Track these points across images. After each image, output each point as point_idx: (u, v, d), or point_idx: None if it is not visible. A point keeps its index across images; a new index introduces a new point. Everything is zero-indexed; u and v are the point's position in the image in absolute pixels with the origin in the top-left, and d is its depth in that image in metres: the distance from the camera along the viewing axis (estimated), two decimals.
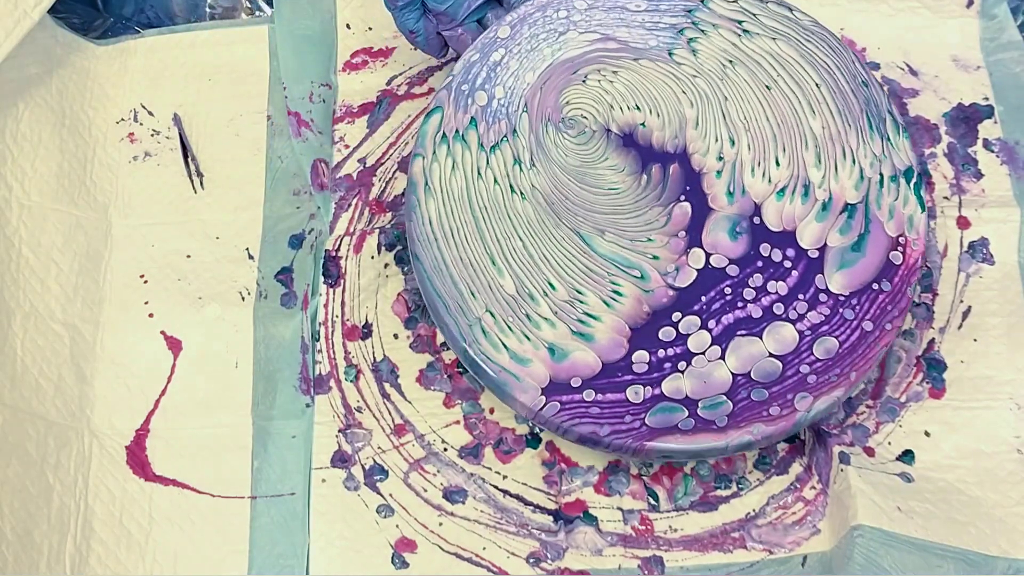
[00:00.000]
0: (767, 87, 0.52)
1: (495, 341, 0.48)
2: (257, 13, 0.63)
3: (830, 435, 0.50)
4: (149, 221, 0.57)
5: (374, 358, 0.53)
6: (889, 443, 0.50)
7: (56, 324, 0.53)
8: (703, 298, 0.49)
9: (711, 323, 0.48)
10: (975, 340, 0.52)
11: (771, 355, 0.47)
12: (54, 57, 0.58)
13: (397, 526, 0.50)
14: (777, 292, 0.49)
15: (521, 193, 0.51)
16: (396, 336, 0.54)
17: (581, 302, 0.49)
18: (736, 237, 0.50)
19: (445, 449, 0.51)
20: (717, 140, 0.51)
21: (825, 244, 0.49)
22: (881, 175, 0.50)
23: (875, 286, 0.48)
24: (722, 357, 0.47)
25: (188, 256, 0.56)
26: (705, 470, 0.50)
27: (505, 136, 0.52)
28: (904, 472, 0.49)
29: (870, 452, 0.50)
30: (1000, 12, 0.59)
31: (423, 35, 0.54)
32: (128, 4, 0.63)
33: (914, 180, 0.50)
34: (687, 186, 0.51)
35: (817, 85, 0.52)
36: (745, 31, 0.53)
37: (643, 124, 0.52)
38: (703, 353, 0.48)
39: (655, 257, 0.49)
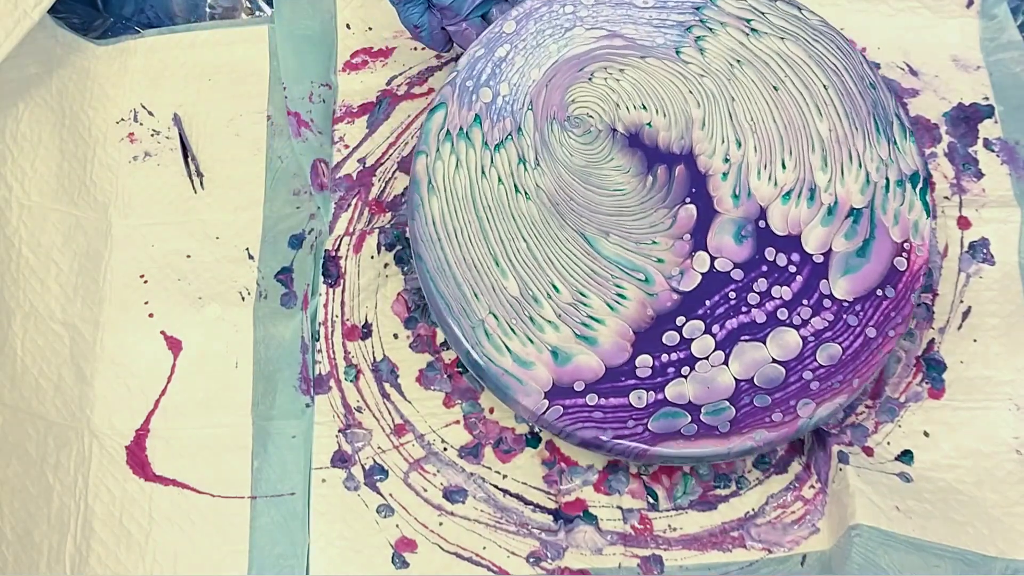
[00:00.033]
0: (774, 88, 0.52)
1: (498, 344, 0.47)
2: (257, 13, 0.63)
3: (829, 435, 0.50)
4: (149, 221, 0.57)
5: (374, 358, 0.53)
6: (888, 443, 0.50)
7: (56, 324, 0.53)
8: (707, 302, 0.48)
9: (715, 328, 0.48)
10: (975, 340, 0.52)
11: (774, 361, 0.47)
12: (54, 57, 0.58)
13: (397, 526, 0.50)
14: (781, 297, 0.48)
15: (525, 193, 0.50)
16: (396, 336, 0.54)
17: (585, 305, 0.48)
18: (741, 241, 0.49)
19: (445, 449, 0.51)
20: (724, 141, 0.51)
21: (830, 249, 0.49)
22: (887, 179, 0.50)
23: (879, 292, 0.48)
24: (725, 362, 0.47)
25: (188, 256, 0.56)
26: (704, 469, 0.50)
27: (510, 134, 0.52)
28: (903, 472, 0.49)
29: (869, 452, 0.50)
30: (1000, 12, 0.59)
31: (427, 30, 0.54)
32: (128, 4, 0.63)
33: (920, 185, 0.50)
34: (693, 188, 0.50)
35: (825, 87, 0.52)
36: (753, 30, 0.53)
37: (649, 124, 0.52)
38: (707, 358, 0.47)
39: (660, 260, 0.49)
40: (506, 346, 0.47)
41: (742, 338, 0.47)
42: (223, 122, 0.59)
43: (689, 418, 0.46)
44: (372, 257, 0.55)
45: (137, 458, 0.52)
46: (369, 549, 0.50)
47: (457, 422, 0.52)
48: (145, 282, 0.55)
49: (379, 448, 0.52)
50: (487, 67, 0.52)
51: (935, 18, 0.59)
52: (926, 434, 0.50)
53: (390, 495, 0.51)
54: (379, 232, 0.56)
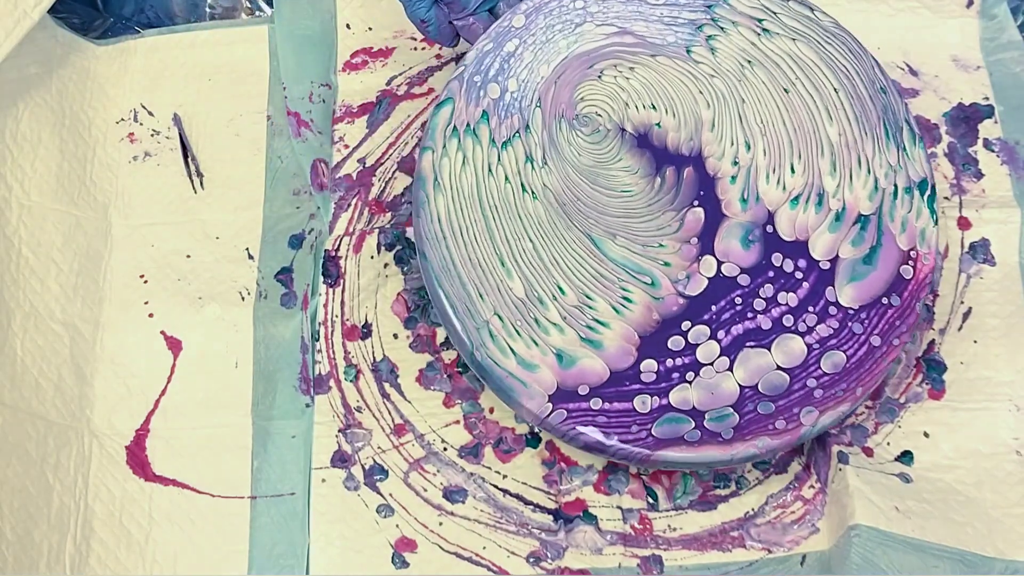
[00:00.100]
0: (785, 90, 0.51)
1: (503, 345, 0.47)
2: (257, 13, 0.63)
3: (829, 435, 0.50)
4: (149, 221, 0.57)
5: (374, 358, 0.53)
6: (888, 443, 0.50)
7: (56, 324, 0.53)
8: (713, 307, 0.48)
9: (720, 333, 0.48)
10: (975, 341, 0.52)
11: (779, 368, 0.47)
12: (54, 57, 0.58)
13: (397, 526, 0.50)
14: (787, 304, 0.48)
15: (532, 192, 0.50)
16: (396, 336, 0.54)
17: (590, 308, 0.48)
18: (748, 245, 0.49)
19: (445, 449, 0.51)
20: (733, 144, 0.51)
21: (837, 256, 0.49)
22: (895, 186, 0.50)
23: (884, 300, 0.48)
24: (730, 368, 0.47)
25: (188, 256, 0.56)
26: (704, 470, 0.50)
27: (517, 132, 0.51)
28: (903, 472, 0.49)
29: (869, 452, 0.50)
30: (1000, 12, 0.59)
31: (434, 24, 0.53)
32: (128, 4, 0.63)
33: (928, 192, 0.50)
34: (701, 191, 0.50)
35: (835, 90, 0.51)
36: (765, 30, 0.52)
37: (658, 124, 0.51)
38: (711, 364, 0.47)
39: (666, 263, 0.49)
40: (510, 348, 0.47)
41: (747, 344, 0.47)
42: (223, 122, 0.59)
43: (693, 424, 0.46)
44: (372, 257, 0.55)
45: (137, 458, 0.52)
46: (369, 549, 0.50)
47: (457, 422, 0.52)
48: (145, 282, 0.55)
49: (379, 448, 0.52)
50: (495, 62, 0.52)
51: (935, 18, 0.59)
52: (926, 435, 0.50)
53: (390, 495, 0.51)
54: (379, 232, 0.56)
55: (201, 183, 0.58)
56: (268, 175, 0.58)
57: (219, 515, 0.50)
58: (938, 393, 0.51)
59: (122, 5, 0.63)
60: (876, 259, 0.49)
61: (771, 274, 0.49)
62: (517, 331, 0.47)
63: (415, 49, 0.61)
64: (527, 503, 0.50)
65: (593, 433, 0.46)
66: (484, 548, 0.50)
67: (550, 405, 0.46)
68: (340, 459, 0.51)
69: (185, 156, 0.58)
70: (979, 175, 0.56)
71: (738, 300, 0.48)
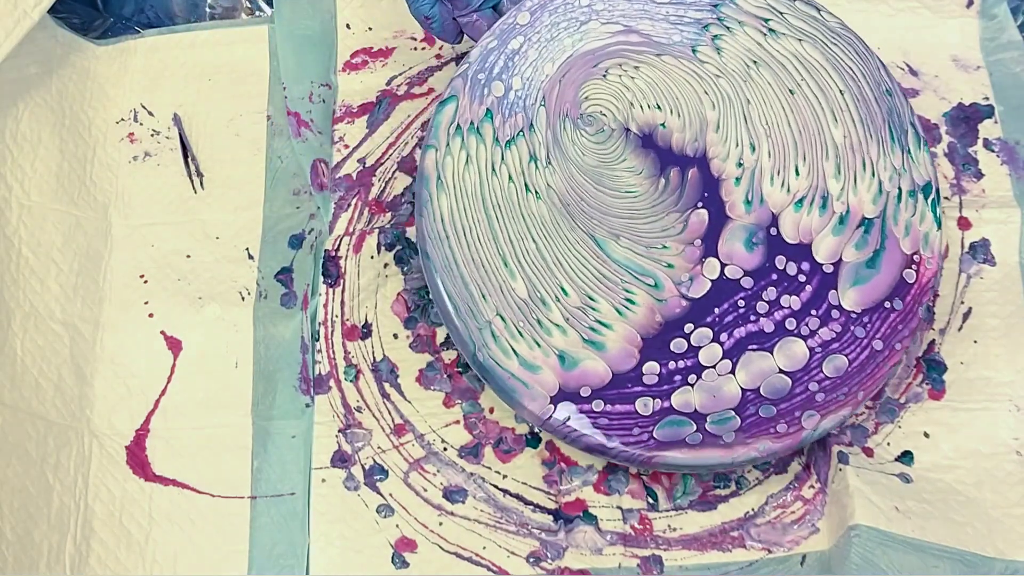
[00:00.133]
0: (790, 91, 0.51)
1: (505, 346, 0.47)
2: (257, 13, 0.63)
3: (829, 435, 0.50)
4: (149, 221, 0.57)
5: (374, 358, 0.53)
6: (888, 444, 0.50)
7: (56, 324, 0.53)
8: (716, 310, 0.48)
9: (723, 336, 0.47)
10: (975, 341, 0.52)
11: (781, 371, 0.47)
12: (54, 57, 0.58)
13: (397, 526, 0.50)
14: (790, 307, 0.48)
15: (536, 192, 0.50)
16: (396, 336, 0.54)
17: (593, 309, 0.48)
18: (752, 248, 0.49)
19: (445, 449, 0.51)
20: (738, 145, 0.50)
21: (840, 259, 0.48)
22: (900, 189, 0.49)
23: (887, 304, 0.48)
24: (732, 372, 0.47)
25: (188, 256, 0.56)
26: (704, 470, 0.50)
27: (521, 131, 0.51)
28: (903, 472, 0.49)
29: (869, 452, 0.50)
30: (1000, 12, 0.59)
31: (438, 21, 0.53)
32: (128, 4, 0.63)
33: (932, 196, 0.49)
34: (705, 192, 0.50)
35: (841, 92, 0.51)
36: (771, 30, 0.52)
37: (663, 124, 0.51)
38: (714, 367, 0.47)
39: (670, 265, 0.49)
40: (513, 349, 0.47)
41: (750, 347, 0.47)
42: (223, 122, 0.59)
43: (694, 427, 0.46)
44: (372, 257, 0.55)
45: (137, 458, 0.52)
46: (369, 549, 0.50)
47: (457, 422, 0.52)
48: (145, 282, 0.55)
49: (379, 448, 0.52)
50: (500, 60, 0.51)
51: (935, 18, 0.59)
52: (926, 435, 0.50)
53: (390, 495, 0.51)
54: (379, 232, 0.56)
55: (201, 183, 0.58)
56: (268, 175, 0.58)
57: (219, 515, 0.50)
58: (938, 393, 0.51)
59: (122, 5, 0.63)
60: (879, 263, 0.48)
61: (774, 277, 0.48)
62: (520, 332, 0.47)
63: (415, 49, 0.61)
64: (527, 503, 0.50)
65: (594, 435, 0.46)
66: (484, 548, 0.50)
67: (552, 407, 0.46)
68: (340, 459, 0.51)
69: (185, 156, 0.58)
70: (979, 175, 0.56)
71: (741, 303, 0.48)
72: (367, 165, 0.58)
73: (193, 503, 0.51)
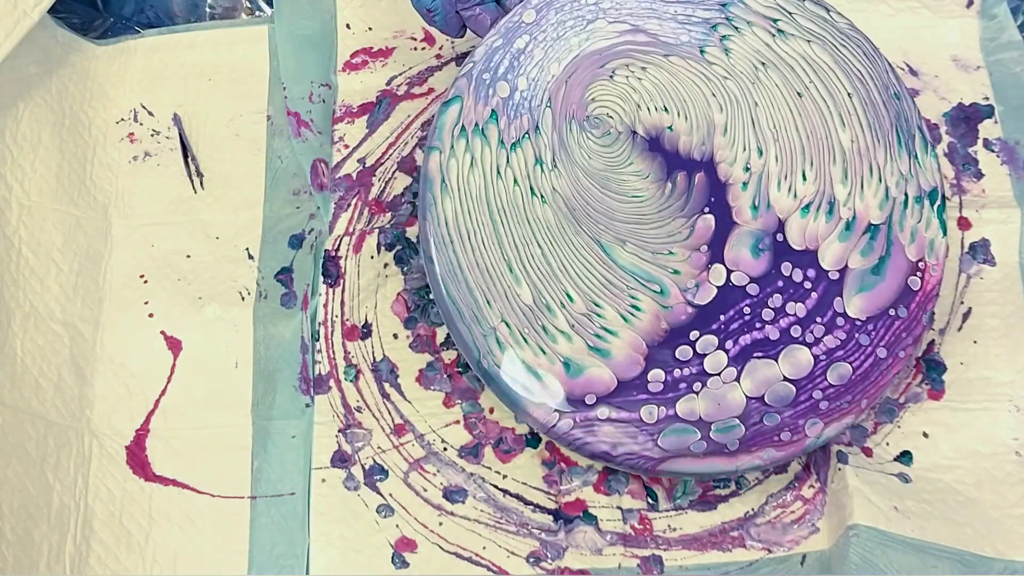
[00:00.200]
0: (798, 94, 0.51)
1: (510, 353, 0.47)
2: (257, 13, 0.63)
3: None
4: (149, 221, 0.57)
5: (374, 358, 0.53)
6: (887, 444, 0.50)
7: (56, 324, 0.53)
8: (722, 317, 0.48)
9: (728, 343, 0.47)
10: (975, 342, 0.52)
11: (785, 379, 0.47)
12: (54, 57, 0.58)
13: (397, 526, 0.50)
14: (795, 314, 0.48)
15: (542, 196, 0.49)
16: (396, 336, 0.54)
17: (599, 316, 0.47)
18: (758, 254, 0.48)
19: (445, 449, 0.51)
20: (745, 149, 0.50)
21: (846, 266, 0.48)
22: (906, 195, 0.49)
23: (891, 312, 0.47)
24: (737, 379, 0.47)
25: (188, 256, 0.56)
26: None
27: (527, 133, 0.50)
28: (902, 472, 0.49)
29: (868, 452, 0.50)
30: (1000, 12, 0.59)
31: (441, 14, 0.52)
32: (128, 4, 0.63)
33: (938, 202, 0.49)
34: (712, 197, 0.49)
35: (849, 95, 0.51)
36: (780, 31, 0.52)
37: (670, 128, 0.50)
38: (719, 374, 0.47)
39: (676, 271, 0.48)
40: (518, 355, 0.47)
41: (755, 355, 0.47)
42: (223, 122, 0.59)
43: (699, 435, 0.46)
44: (372, 257, 0.55)
45: (137, 458, 0.52)
46: (369, 549, 0.50)
47: (457, 422, 0.52)
48: (145, 282, 0.55)
49: (379, 448, 0.52)
50: (505, 59, 0.51)
51: (935, 18, 0.59)
52: (925, 435, 0.50)
53: (390, 495, 0.51)
54: (379, 232, 0.56)
55: (201, 183, 0.58)
56: (268, 175, 0.58)
57: (219, 515, 0.51)
58: (938, 393, 0.51)
59: (122, 5, 0.63)
60: (885, 270, 0.48)
61: (780, 284, 0.48)
62: (524, 339, 0.47)
63: (415, 49, 0.61)
64: (527, 503, 0.50)
65: (599, 443, 0.46)
66: (484, 548, 0.50)
67: (557, 414, 0.46)
68: (340, 459, 0.51)
69: (185, 156, 0.58)
70: (979, 175, 0.56)
71: (747, 310, 0.48)
72: (367, 165, 0.58)
73: (193, 503, 0.51)
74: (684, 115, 0.51)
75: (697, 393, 0.46)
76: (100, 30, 0.62)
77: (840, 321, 0.47)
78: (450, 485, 0.51)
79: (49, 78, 0.57)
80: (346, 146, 0.58)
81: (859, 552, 0.45)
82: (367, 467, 0.51)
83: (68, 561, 0.49)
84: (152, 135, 0.59)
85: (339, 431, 0.52)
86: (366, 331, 0.54)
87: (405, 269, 0.55)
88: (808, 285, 0.48)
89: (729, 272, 0.48)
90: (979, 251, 0.54)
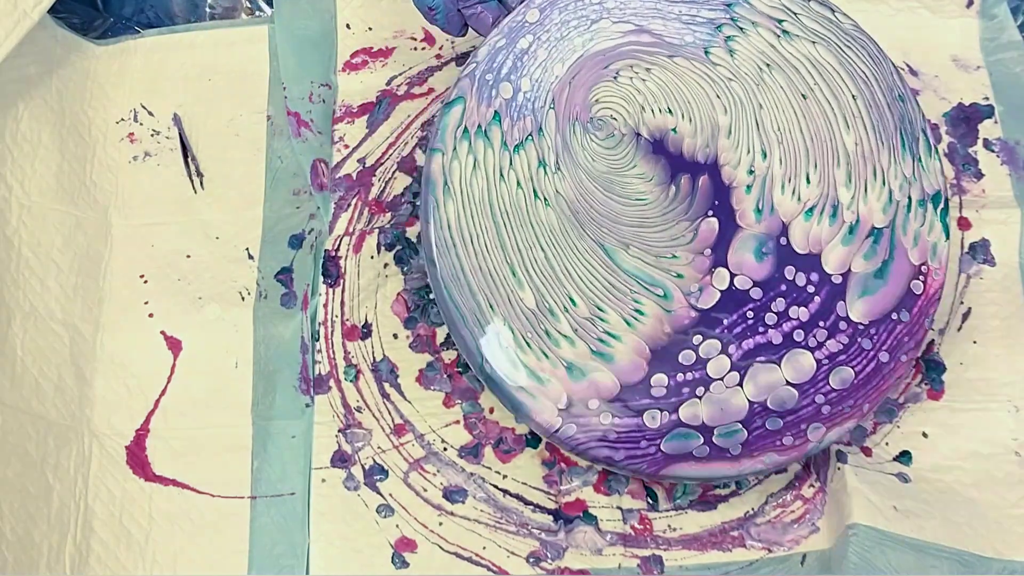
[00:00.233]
0: (803, 96, 0.50)
1: (513, 358, 0.47)
2: (257, 13, 0.63)
3: None
4: (149, 221, 0.57)
5: (374, 358, 0.53)
6: (887, 443, 0.51)
7: (56, 324, 0.53)
8: (725, 321, 0.47)
9: (731, 348, 0.47)
10: (975, 342, 0.52)
11: (788, 384, 0.47)
12: (54, 57, 0.58)
13: (397, 526, 0.50)
14: (799, 318, 0.47)
15: (545, 199, 0.49)
16: (396, 336, 0.54)
17: (602, 320, 0.47)
18: (762, 258, 0.48)
19: (445, 449, 0.51)
20: (749, 152, 0.50)
21: (849, 270, 0.48)
22: (909, 199, 0.49)
23: (894, 316, 0.47)
24: (740, 384, 0.46)
25: (188, 256, 0.56)
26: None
27: (530, 135, 0.50)
28: (901, 472, 0.49)
29: (867, 452, 0.50)
30: (1000, 12, 0.59)
31: (442, 12, 0.51)
32: (128, 4, 0.63)
33: (941, 206, 0.49)
34: (716, 200, 0.49)
35: (853, 97, 0.50)
36: (785, 32, 0.51)
37: (674, 130, 0.50)
38: (722, 379, 0.47)
39: (679, 275, 0.48)
40: (521, 361, 0.47)
41: (758, 359, 0.47)
42: (223, 122, 0.59)
43: (701, 440, 0.46)
44: (372, 257, 0.56)
45: (137, 458, 0.52)
46: (369, 549, 0.50)
47: (457, 422, 0.52)
48: (145, 282, 0.55)
49: (379, 448, 0.52)
50: (508, 59, 0.50)
51: (935, 18, 0.59)
52: (925, 435, 0.51)
53: (390, 495, 0.51)
54: (379, 232, 0.56)
55: (201, 183, 0.58)
56: (268, 175, 0.58)
57: (219, 515, 0.51)
58: (937, 393, 0.51)
59: (122, 5, 0.63)
60: (887, 273, 0.48)
61: (783, 288, 0.48)
62: (527, 343, 0.47)
63: (415, 49, 0.61)
64: (527, 503, 0.50)
65: (602, 448, 0.46)
66: (484, 548, 0.50)
67: (560, 419, 0.46)
68: (340, 459, 0.51)
69: (185, 156, 0.58)
70: (979, 175, 0.56)
71: (750, 314, 0.47)
72: (367, 165, 0.58)
73: (193, 503, 0.51)
74: (688, 117, 0.50)
75: (700, 398, 0.46)
76: (100, 30, 0.62)
77: (843, 325, 0.47)
78: (450, 485, 0.51)
79: (49, 78, 0.57)
80: (346, 146, 0.58)
81: (858, 552, 0.45)
82: (367, 467, 0.51)
83: (68, 561, 0.49)
84: (152, 135, 0.59)
85: (339, 431, 0.52)
86: (366, 331, 0.54)
87: (405, 269, 0.55)
88: (811, 289, 0.48)
89: (732, 276, 0.48)
90: (979, 251, 0.54)
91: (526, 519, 0.50)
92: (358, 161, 0.58)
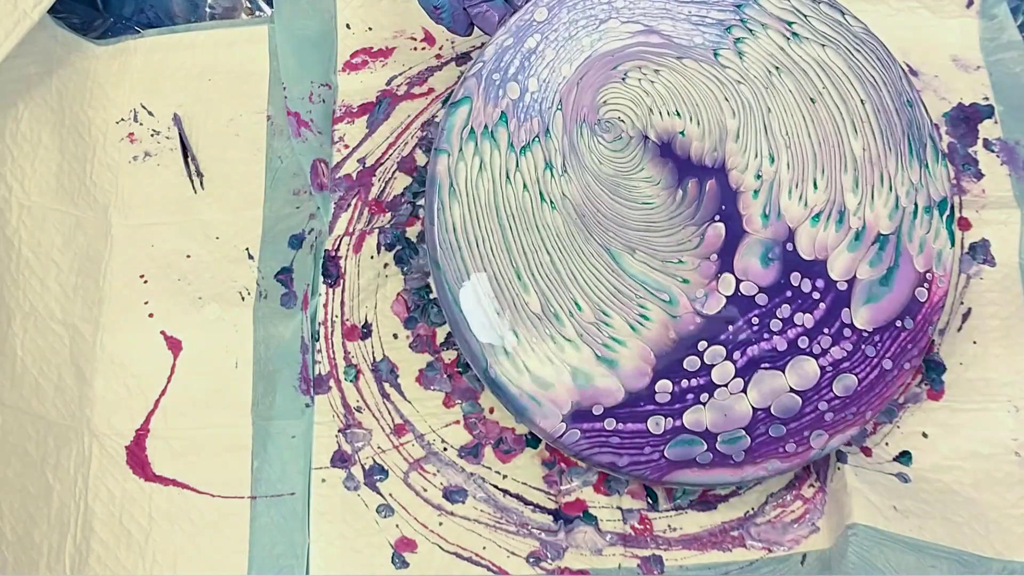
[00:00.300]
0: (812, 100, 0.50)
1: (518, 363, 0.46)
2: (257, 13, 0.63)
3: None
4: (149, 221, 0.57)
5: (374, 358, 0.53)
6: (886, 444, 0.51)
7: (56, 324, 0.53)
8: (730, 327, 0.47)
9: (736, 354, 0.47)
10: (974, 342, 0.52)
11: (792, 390, 0.46)
12: (54, 57, 0.58)
13: (397, 526, 0.50)
14: (803, 325, 0.47)
15: (551, 202, 0.48)
16: (396, 336, 0.54)
17: (607, 325, 0.47)
18: (768, 264, 0.48)
19: (445, 449, 0.51)
20: (757, 156, 0.49)
21: (854, 276, 0.48)
22: (916, 205, 0.49)
23: (898, 323, 0.47)
24: (744, 390, 0.46)
25: (188, 256, 0.56)
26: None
27: (537, 136, 0.49)
28: (901, 472, 0.49)
29: (867, 452, 0.50)
30: (1000, 12, 0.59)
31: (448, 11, 0.51)
32: (128, 4, 0.63)
33: (947, 213, 0.49)
34: (723, 205, 0.48)
35: (862, 101, 0.50)
36: (794, 34, 0.50)
37: (682, 133, 0.49)
38: (726, 385, 0.46)
39: (685, 281, 0.48)
40: (525, 365, 0.46)
41: (762, 366, 0.47)
42: (223, 122, 0.59)
43: (705, 446, 0.46)
44: (372, 257, 0.56)
45: (137, 458, 0.52)
46: (369, 549, 0.50)
47: (457, 422, 0.52)
48: (145, 282, 0.55)
49: (379, 448, 0.52)
50: (515, 59, 0.49)
51: (935, 18, 0.59)
52: (925, 435, 0.51)
53: (390, 495, 0.51)
54: (379, 232, 0.56)
55: (201, 183, 0.58)
56: (268, 175, 0.58)
57: (219, 515, 0.51)
58: (937, 394, 0.51)
59: (122, 5, 0.63)
60: (893, 280, 0.48)
61: (789, 294, 0.48)
62: (532, 348, 0.46)
63: (415, 49, 0.61)
64: (527, 503, 0.50)
65: (606, 454, 0.46)
66: (484, 548, 0.50)
67: (564, 425, 0.46)
68: (340, 459, 0.51)
69: (185, 156, 0.58)
70: (979, 175, 0.56)
71: (755, 320, 0.47)
72: (367, 165, 0.58)
73: (193, 503, 0.51)
74: (696, 120, 0.50)
75: (704, 404, 0.46)
76: (100, 30, 0.62)
77: (847, 332, 0.47)
78: (450, 485, 0.51)
79: (49, 78, 0.57)
80: (346, 146, 0.58)
81: (857, 551, 0.45)
82: (367, 467, 0.51)
83: (68, 561, 0.49)
84: (152, 135, 0.59)
85: (339, 431, 0.52)
86: (366, 331, 0.54)
87: (405, 269, 0.55)
88: (816, 296, 0.48)
89: (738, 282, 0.48)
90: (979, 251, 0.54)
91: (526, 519, 0.50)
92: (358, 161, 0.58)
